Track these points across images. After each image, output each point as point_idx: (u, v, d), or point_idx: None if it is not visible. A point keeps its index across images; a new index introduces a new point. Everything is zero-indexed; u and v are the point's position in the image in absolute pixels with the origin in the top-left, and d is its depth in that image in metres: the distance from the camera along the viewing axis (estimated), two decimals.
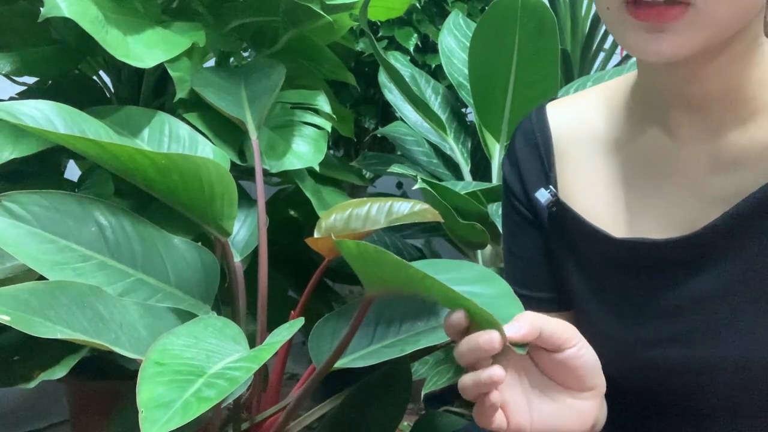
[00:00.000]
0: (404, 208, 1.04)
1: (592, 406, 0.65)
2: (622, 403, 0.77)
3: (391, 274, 0.71)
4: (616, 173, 0.74)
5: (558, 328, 0.62)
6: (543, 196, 0.77)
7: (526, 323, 0.60)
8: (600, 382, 0.65)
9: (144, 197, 1.09)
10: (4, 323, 0.71)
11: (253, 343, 0.91)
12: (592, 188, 0.76)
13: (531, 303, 0.81)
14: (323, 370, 0.98)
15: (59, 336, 0.74)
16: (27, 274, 0.90)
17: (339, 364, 1.01)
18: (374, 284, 0.79)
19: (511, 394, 0.63)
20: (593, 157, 0.76)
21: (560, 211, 0.77)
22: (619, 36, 0.65)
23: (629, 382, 0.75)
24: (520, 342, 0.60)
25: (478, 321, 0.62)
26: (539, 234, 0.81)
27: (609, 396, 0.76)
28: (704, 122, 0.68)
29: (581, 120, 0.78)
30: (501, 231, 1.14)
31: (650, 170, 0.72)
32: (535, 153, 0.80)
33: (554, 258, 0.80)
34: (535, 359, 0.64)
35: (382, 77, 1.54)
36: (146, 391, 0.66)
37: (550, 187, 0.78)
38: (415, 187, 1.19)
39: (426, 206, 1.05)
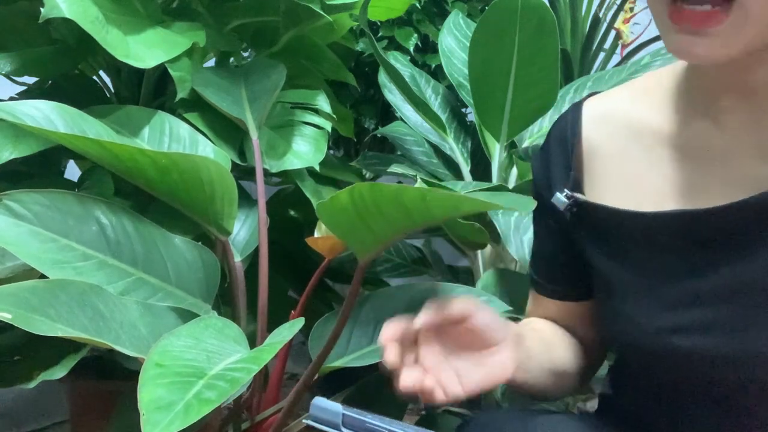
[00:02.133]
0: None
1: (508, 355, 0.73)
2: (644, 394, 0.78)
3: (388, 208, 0.77)
4: (653, 162, 0.74)
5: (457, 302, 0.71)
6: (559, 201, 0.78)
7: (431, 311, 0.70)
8: (507, 333, 0.73)
9: (144, 197, 1.09)
10: (5, 321, 0.71)
11: (253, 343, 0.91)
12: (628, 181, 0.75)
13: (553, 293, 0.86)
14: (320, 359, 0.98)
15: (59, 334, 0.74)
16: (28, 273, 0.90)
17: (339, 363, 1.01)
18: (364, 242, 0.85)
19: (444, 375, 0.70)
20: (631, 149, 0.76)
21: (581, 208, 0.77)
22: (662, 35, 0.65)
23: (654, 370, 0.75)
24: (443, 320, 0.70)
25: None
26: (565, 230, 0.81)
27: (633, 384, 0.80)
28: (752, 110, 0.67)
29: (619, 112, 0.78)
30: (500, 231, 1.15)
31: (694, 160, 0.71)
32: (563, 149, 0.80)
33: (578, 250, 0.80)
34: (454, 340, 0.72)
35: (382, 77, 1.54)
36: (147, 393, 0.66)
37: (565, 190, 0.78)
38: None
39: None
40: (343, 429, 0.62)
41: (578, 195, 0.77)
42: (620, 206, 0.74)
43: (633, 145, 0.76)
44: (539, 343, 0.81)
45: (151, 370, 0.70)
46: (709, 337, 0.69)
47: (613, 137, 0.77)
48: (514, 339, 0.74)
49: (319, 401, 0.64)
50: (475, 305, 0.71)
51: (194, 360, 0.74)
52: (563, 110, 1.43)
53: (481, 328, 0.71)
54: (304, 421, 0.68)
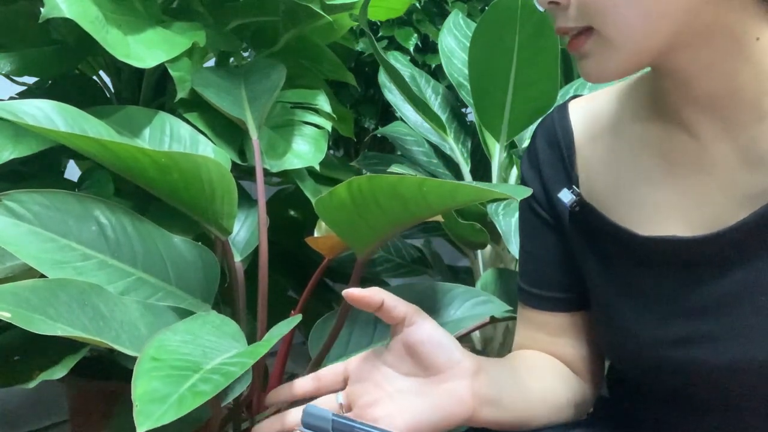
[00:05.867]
0: None
1: (463, 385, 0.68)
2: (641, 401, 0.78)
3: (386, 200, 0.76)
4: (641, 172, 0.73)
5: (400, 302, 0.69)
6: (566, 196, 0.76)
7: (370, 291, 0.68)
8: (459, 358, 0.69)
9: (144, 197, 1.08)
10: (5, 320, 0.71)
11: (252, 342, 0.91)
12: (615, 187, 0.74)
13: (544, 302, 0.82)
14: (320, 358, 0.98)
15: (59, 333, 0.74)
16: (27, 273, 0.90)
17: (339, 362, 1.01)
18: (362, 237, 0.84)
19: (379, 409, 0.68)
20: (617, 155, 0.75)
21: (583, 210, 0.76)
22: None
23: (649, 380, 0.75)
24: (363, 302, 0.69)
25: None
26: (557, 236, 0.80)
27: (627, 394, 0.79)
28: (722, 121, 0.67)
29: (604, 118, 0.77)
30: (500, 231, 1.15)
31: (676, 169, 0.71)
32: (556, 152, 0.79)
33: (574, 258, 0.79)
34: (393, 359, 0.70)
35: (382, 77, 1.54)
36: (142, 386, 0.66)
37: (573, 187, 0.76)
38: None
39: None
40: None
41: (584, 196, 0.76)
42: (615, 218, 0.73)
43: (623, 151, 0.75)
44: (515, 371, 0.77)
45: (146, 363, 0.70)
46: (709, 347, 0.68)
47: (604, 141, 0.76)
48: (470, 366, 0.70)
49: (311, 408, 0.66)
50: (418, 313, 0.69)
51: (190, 354, 0.74)
52: None
53: (422, 340, 0.68)
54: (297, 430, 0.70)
